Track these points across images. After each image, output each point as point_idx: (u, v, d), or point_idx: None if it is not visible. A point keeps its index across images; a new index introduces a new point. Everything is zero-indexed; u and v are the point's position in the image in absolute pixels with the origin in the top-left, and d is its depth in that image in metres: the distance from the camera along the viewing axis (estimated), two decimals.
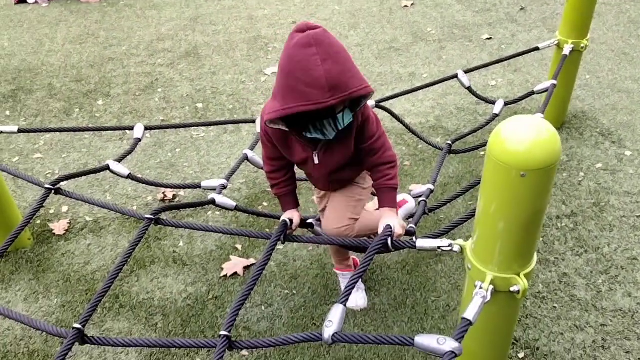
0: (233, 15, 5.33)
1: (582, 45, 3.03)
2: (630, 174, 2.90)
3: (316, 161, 1.75)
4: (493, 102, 2.95)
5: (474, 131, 2.87)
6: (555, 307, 2.12)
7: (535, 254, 1.43)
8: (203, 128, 3.61)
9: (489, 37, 4.63)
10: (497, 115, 2.86)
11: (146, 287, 2.43)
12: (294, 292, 2.36)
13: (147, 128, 2.53)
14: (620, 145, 3.17)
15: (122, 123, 3.73)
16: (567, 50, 2.99)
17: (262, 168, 2.55)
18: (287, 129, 1.60)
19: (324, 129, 1.62)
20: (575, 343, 1.96)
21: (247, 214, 2.74)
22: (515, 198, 1.27)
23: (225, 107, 3.85)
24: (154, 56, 4.60)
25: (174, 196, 3.01)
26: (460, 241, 1.52)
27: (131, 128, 2.49)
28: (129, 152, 2.36)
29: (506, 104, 2.92)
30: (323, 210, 2.03)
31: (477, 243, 1.43)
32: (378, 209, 1.82)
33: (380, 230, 1.69)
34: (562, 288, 2.20)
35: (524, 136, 1.21)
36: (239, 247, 2.62)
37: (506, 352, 1.70)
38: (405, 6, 5.30)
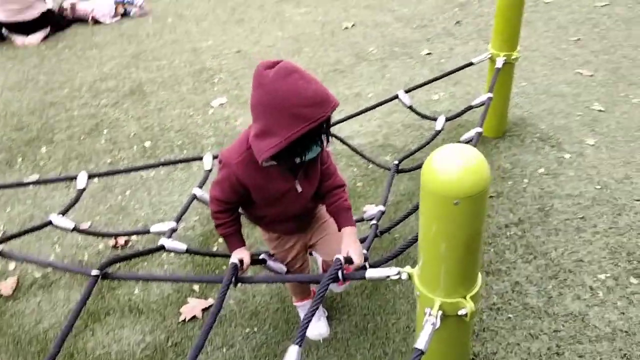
0: (176, 49, 5.31)
1: (513, 57, 3.15)
2: (570, 176, 3.01)
3: (299, 189, 1.79)
4: (435, 119, 3.02)
5: (420, 148, 2.94)
6: (510, 317, 2.17)
7: (480, 274, 1.47)
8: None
9: (428, 52, 4.76)
10: (439, 131, 2.94)
11: (102, 341, 2.36)
12: (255, 329, 2.33)
13: (90, 176, 2.48)
14: (560, 148, 3.30)
15: (68, 169, 3.64)
16: (499, 63, 3.11)
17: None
18: (276, 163, 1.65)
19: (313, 147, 1.66)
20: (531, 352, 2.01)
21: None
22: (452, 224, 1.30)
23: (174, 143, 3.82)
24: (98, 97, 4.53)
25: (126, 242, 2.94)
26: (408, 268, 1.54)
27: (74, 177, 2.43)
28: (73, 204, 2.31)
29: (447, 119, 3.00)
30: (295, 257, 2.06)
31: (422, 269, 1.46)
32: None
33: (342, 253, 1.72)
34: (516, 297, 2.26)
35: (454, 166, 1.25)
36: (197, 288, 2.59)
37: None
38: (346, 27, 5.41)
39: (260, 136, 1.58)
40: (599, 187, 2.89)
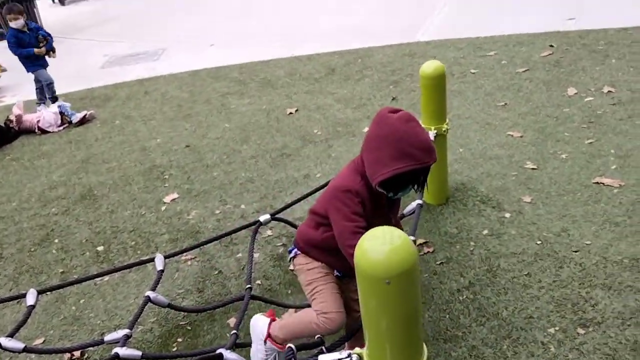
0: (125, 150, 5.40)
1: (443, 129, 3.38)
2: (512, 235, 3.16)
3: (392, 220, 2.15)
4: None
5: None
6: None
7: (424, 346, 1.53)
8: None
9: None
10: None
11: None
12: None
13: (40, 292, 2.45)
14: (500, 208, 3.47)
15: (19, 284, 3.55)
16: (431, 136, 3.33)
17: (165, 306, 2.53)
18: (384, 191, 1.94)
19: (409, 187, 1.98)
20: None
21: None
22: (388, 302, 1.37)
23: (128, 245, 3.81)
24: (47, 206, 4.51)
25: (82, 353, 2.86)
26: (357, 349, 1.58)
27: (22, 296, 2.40)
28: (22, 324, 2.26)
29: None
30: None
31: (369, 347, 1.51)
32: None
33: None
34: None
35: (382, 247, 1.34)
36: None
37: None
38: (290, 113, 5.65)
39: (374, 165, 1.86)
40: (539, 242, 3.04)
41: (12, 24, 6.31)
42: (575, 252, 2.89)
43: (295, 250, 2.25)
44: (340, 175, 2.10)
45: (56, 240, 3.99)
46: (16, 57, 6.51)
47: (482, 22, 7.67)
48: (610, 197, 3.36)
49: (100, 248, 3.81)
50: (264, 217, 2.89)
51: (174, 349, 2.78)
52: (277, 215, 2.97)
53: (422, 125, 1.94)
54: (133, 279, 3.42)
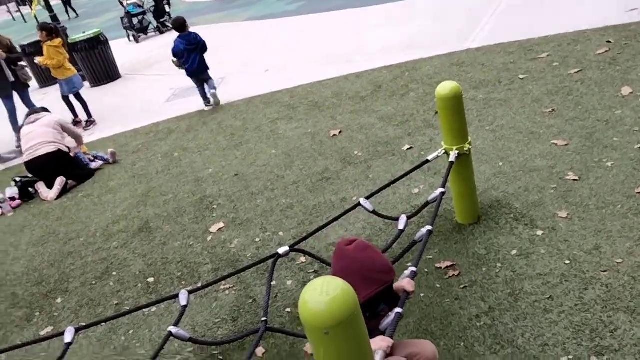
0: (181, 182, 5.74)
1: (465, 148, 3.32)
2: (542, 254, 3.04)
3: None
4: (397, 219, 3.16)
5: (384, 250, 3.06)
6: None
7: None
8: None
9: (409, 146, 4.99)
10: (402, 231, 3.06)
11: None
12: None
13: (78, 329, 2.70)
14: (533, 226, 3.34)
15: (79, 316, 3.90)
16: (452, 157, 3.28)
17: (187, 340, 2.70)
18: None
19: (381, 305, 2.12)
20: None
21: None
22: (332, 351, 1.42)
23: (175, 276, 4.06)
24: (109, 240, 4.90)
25: None
26: None
27: (60, 334, 2.66)
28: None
29: (408, 217, 3.14)
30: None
31: None
32: None
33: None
34: None
35: (320, 298, 1.39)
36: None
37: None
38: (334, 135, 5.74)
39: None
40: (568, 262, 2.90)
41: None
42: (604, 272, 2.73)
43: None
44: None
45: (114, 273, 4.33)
46: None
47: (537, 22, 7.36)
48: None
49: (150, 280, 4.09)
50: (282, 250, 2.99)
51: None
52: (296, 247, 3.06)
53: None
54: (177, 309, 3.64)
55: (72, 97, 8.80)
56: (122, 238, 4.87)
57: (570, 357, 2.28)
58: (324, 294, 1.39)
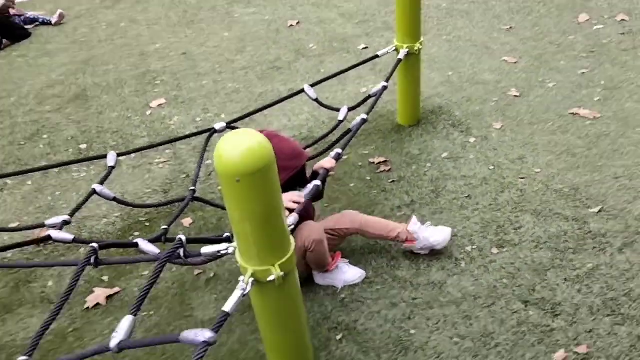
0: (125, 53, 5.46)
1: (415, 48, 3.29)
2: (470, 159, 3.15)
3: None
4: (338, 110, 3.16)
5: (322, 138, 3.09)
6: (378, 289, 2.32)
7: (291, 246, 1.62)
8: (85, 167, 3.72)
9: (365, 46, 4.90)
10: (341, 121, 3.08)
11: (10, 330, 2.51)
12: (151, 313, 2.48)
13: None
14: (468, 133, 3.43)
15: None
16: (402, 54, 3.25)
17: (111, 199, 2.68)
18: None
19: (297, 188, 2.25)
20: (388, 318, 2.16)
21: (116, 247, 2.86)
22: (243, 200, 1.44)
23: (108, 145, 3.97)
24: (42, 104, 4.68)
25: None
26: (235, 243, 1.68)
27: None
28: None
29: (349, 109, 3.14)
30: None
31: (238, 242, 1.61)
32: None
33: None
34: (388, 271, 2.40)
35: (235, 148, 1.39)
36: (105, 278, 2.74)
37: (304, 334, 1.87)
38: (291, 25, 5.55)
39: None
40: (492, 167, 3.03)
41: None
42: (522, 179, 2.87)
43: None
44: None
45: (45, 136, 4.18)
46: None
47: None
48: (579, 128, 3.27)
49: (83, 146, 3.99)
50: (219, 125, 2.95)
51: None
52: (233, 124, 3.02)
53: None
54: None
55: None
56: (57, 103, 4.67)
57: (474, 247, 2.45)
58: (243, 146, 1.39)
